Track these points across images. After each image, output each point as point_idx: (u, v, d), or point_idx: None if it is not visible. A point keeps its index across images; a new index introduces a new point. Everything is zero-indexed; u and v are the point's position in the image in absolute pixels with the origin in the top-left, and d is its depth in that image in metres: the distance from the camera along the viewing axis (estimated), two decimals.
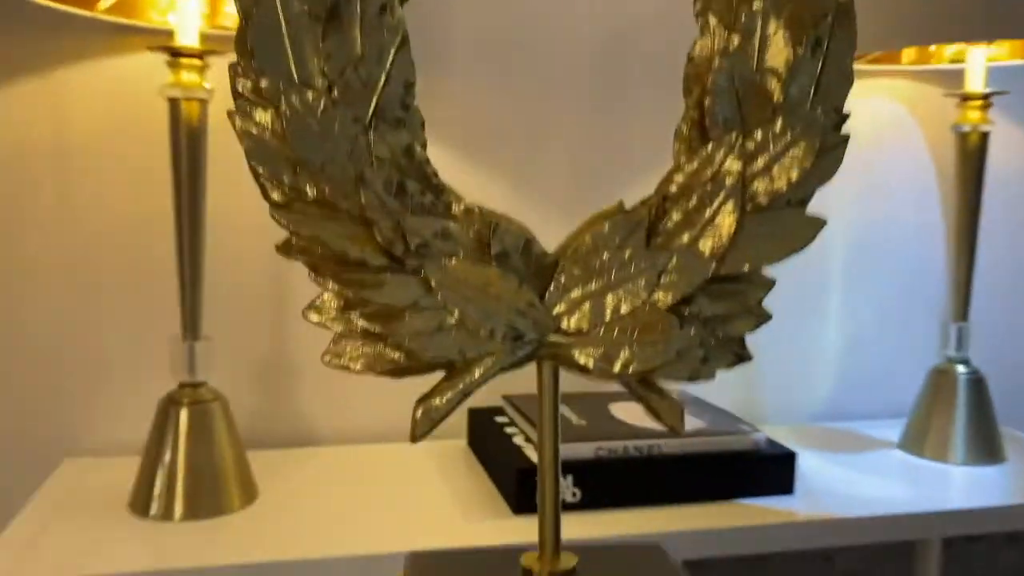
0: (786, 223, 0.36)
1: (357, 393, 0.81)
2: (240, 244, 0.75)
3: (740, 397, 0.90)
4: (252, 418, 0.77)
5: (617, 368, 0.35)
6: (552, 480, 0.37)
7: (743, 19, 0.35)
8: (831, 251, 0.92)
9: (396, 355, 0.35)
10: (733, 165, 0.35)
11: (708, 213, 0.35)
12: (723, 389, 0.72)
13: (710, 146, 0.35)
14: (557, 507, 0.37)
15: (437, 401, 0.34)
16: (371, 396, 0.81)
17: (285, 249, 0.33)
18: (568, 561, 0.37)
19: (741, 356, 0.37)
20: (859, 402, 0.95)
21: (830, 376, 0.94)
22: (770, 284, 0.36)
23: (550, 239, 0.36)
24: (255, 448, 0.72)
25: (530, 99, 0.81)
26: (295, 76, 0.33)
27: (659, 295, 0.35)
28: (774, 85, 0.35)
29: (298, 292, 0.75)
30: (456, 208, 0.34)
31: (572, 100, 0.82)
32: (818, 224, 0.36)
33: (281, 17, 0.32)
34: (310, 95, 0.33)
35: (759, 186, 0.35)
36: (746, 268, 0.36)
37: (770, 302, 0.36)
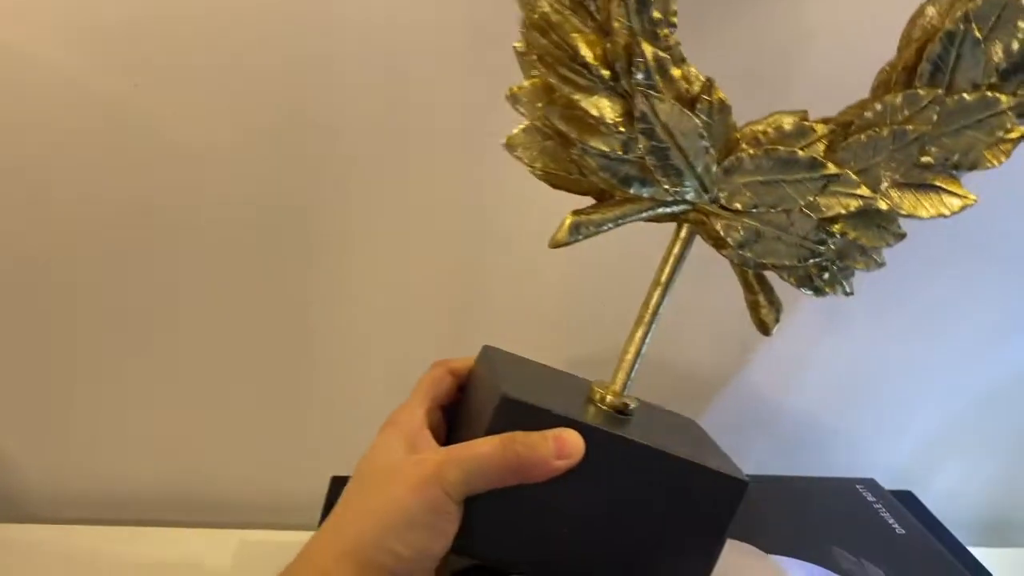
0: (942, 188, 0.39)
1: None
2: None
3: (1010, 499, 0.67)
4: None
5: (750, 253, 0.38)
6: (647, 329, 0.40)
7: None
8: None
9: (570, 165, 0.37)
10: (914, 115, 0.37)
11: (891, 148, 0.37)
12: (999, 473, 0.65)
13: (891, 97, 0.37)
14: (642, 352, 0.40)
15: (594, 216, 0.37)
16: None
17: (527, 23, 0.34)
18: (632, 400, 0.40)
19: (845, 289, 0.41)
20: None
21: None
22: (901, 236, 0.39)
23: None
24: None
25: None
26: None
27: (819, 201, 0.38)
28: (993, 63, 0.37)
29: None
30: (680, 55, 0.36)
31: None
32: (967, 200, 0.39)
33: None
34: None
35: (933, 149, 0.38)
36: (896, 212, 0.39)
37: None
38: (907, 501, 0.56)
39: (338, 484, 0.47)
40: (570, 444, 0.35)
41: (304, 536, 0.36)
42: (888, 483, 0.59)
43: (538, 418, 0.36)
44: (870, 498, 0.53)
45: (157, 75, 0.51)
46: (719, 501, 0.38)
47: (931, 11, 0.37)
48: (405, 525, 0.33)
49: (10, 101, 0.50)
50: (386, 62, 0.52)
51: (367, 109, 0.53)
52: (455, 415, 0.41)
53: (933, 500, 0.65)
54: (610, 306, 0.48)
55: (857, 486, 0.55)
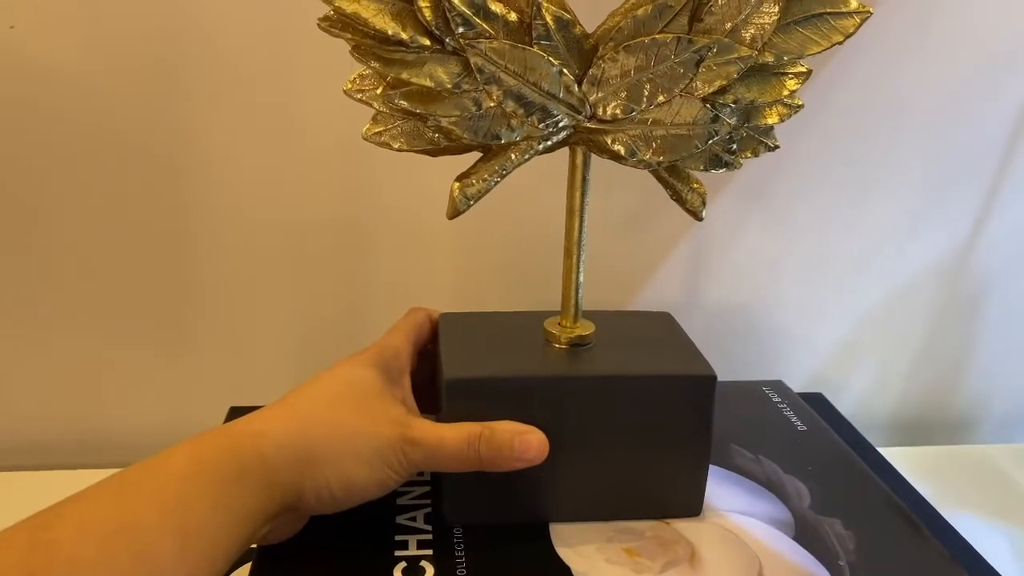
0: (830, 10, 0.35)
1: None
2: None
3: (941, 385, 0.66)
4: None
5: (648, 156, 0.36)
6: (576, 257, 0.39)
7: None
8: None
9: (435, 135, 0.36)
10: None
11: (753, 0, 0.34)
12: (911, 372, 0.65)
13: None
14: (579, 281, 0.39)
15: (474, 181, 0.36)
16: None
17: (327, 25, 0.32)
18: (586, 328, 0.40)
19: (768, 145, 0.38)
20: None
21: None
22: (806, 74, 0.36)
23: (593, 18, 0.35)
24: None
25: None
26: None
27: (697, 84, 0.35)
28: None
29: None
30: None
31: None
32: (863, 14, 0.35)
33: None
34: None
35: None
36: (785, 59, 0.35)
37: None
38: (816, 402, 0.54)
39: (236, 414, 0.42)
40: (533, 447, 0.36)
41: None
42: (803, 388, 0.57)
43: (487, 388, 0.37)
44: (775, 399, 0.51)
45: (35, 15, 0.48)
46: (692, 402, 0.38)
47: None
48: (355, 456, 0.34)
49: None
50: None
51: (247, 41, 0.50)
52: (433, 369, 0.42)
53: (849, 403, 0.64)
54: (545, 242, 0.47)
55: (764, 388, 0.53)
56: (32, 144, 0.52)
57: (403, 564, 0.36)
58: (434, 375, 0.41)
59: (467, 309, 0.44)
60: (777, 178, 0.58)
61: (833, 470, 0.44)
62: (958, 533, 0.43)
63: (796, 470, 0.43)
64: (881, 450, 0.53)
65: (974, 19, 0.55)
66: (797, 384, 0.57)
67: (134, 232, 0.55)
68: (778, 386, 0.54)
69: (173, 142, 0.53)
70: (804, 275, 0.61)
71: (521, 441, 0.35)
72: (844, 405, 0.60)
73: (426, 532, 0.38)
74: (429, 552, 0.37)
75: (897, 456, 0.54)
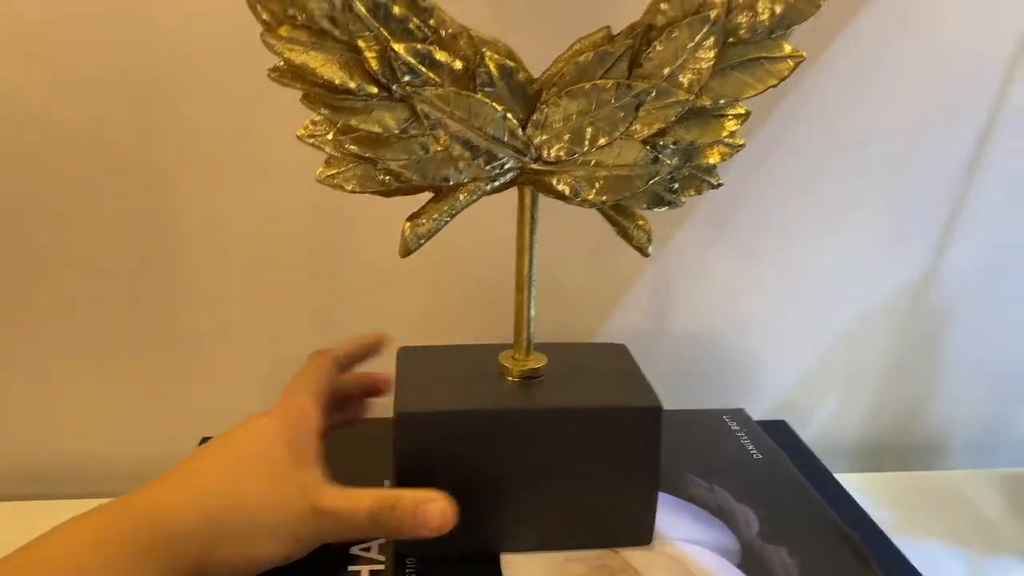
0: (764, 55, 0.36)
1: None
2: None
3: (903, 411, 0.67)
4: None
5: (591, 196, 0.38)
6: (527, 293, 0.40)
7: None
8: None
9: (385, 177, 0.37)
10: None
11: (690, 46, 0.36)
12: (875, 400, 0.66)
13: None
14: (530, 316, 0.41)
15: (424, 221, 0.37)
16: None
17: (277, 75, 0.34)
18: (539, 360, 0.41)
19: (711, 183, 0.40)
20: None
21: None
22: (744, 115, 0.38)
23: (538, 63, 0.37)
24: None
25: None
26: None
27: (636, 127, 0.36)
28: None
29: None
30: (444, 32, 0.35)
31: None
32: (796, 58, 0.37)
33: None
34: None
35: (741, 19, 0.36)
36: (722, 102, 0.37)
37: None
38: (777, 430, 0.55)
39: None
40: (435, 518, 0.34)
41: None
42: (768, 414, 0.58)
43: (439, 422, 0.38)
44: (734, 427, 0.52)
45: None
46: (640, 434, 0.39)
47: None
48: (262, 531, 0.33)
49: None
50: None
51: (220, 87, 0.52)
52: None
53: (814, 429, 0.65)
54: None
55: (724, 416, 0.54)
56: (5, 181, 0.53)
57: None
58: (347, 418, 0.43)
59: (435, 341, 0.45)
60: (742, 207, 0.59)
61: (784, 498, 0.45)
62: (908, 561, 0.44)
63: (748, 498, 0.44)
64: (846, 476, 0.53)
65: (927, 57, 0.57)
66: (763, 410, 0.58)
67: (108, 265, 0.56)
68: (739, 415, 0.55)
69: (150, 185, 0.54)
70: (769, 303, 0.62)
71: (423, 511, 0.34)
72: (809, 431, 0.61)
73: (379, 562, 0.39)
74: None
75: (861, 482, 0.55)
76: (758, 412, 0.57)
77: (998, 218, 0.61)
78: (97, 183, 0.54)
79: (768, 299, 0.62)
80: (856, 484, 0.53)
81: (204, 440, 0.53)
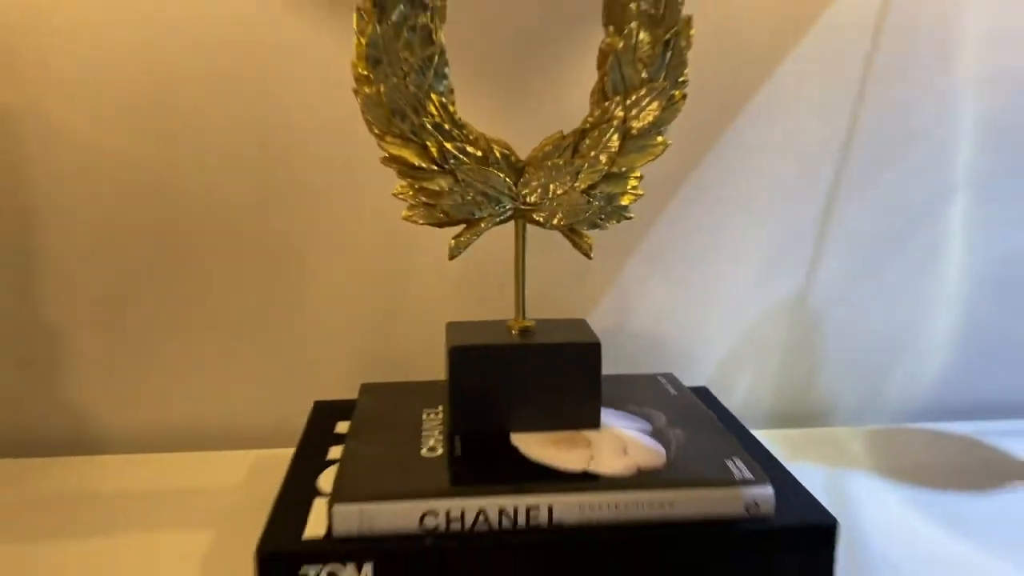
0: (646, 144, 0.66)
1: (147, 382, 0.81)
2: None
3: (800, 384, 0.92)
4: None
5: (555, 222, 0.67)
6: (520, 283, 0.69)
7: (625, 30, 0.64)
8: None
9: (440, 215, 0.67)
10: (618, 112, 0.65)
11: (605, 139, 0.65)
12: (778, 377, 0.91)
13: (606, 103, 0.65)
14: (523, 296, 0.69)
15: (464, 235, 0.67)
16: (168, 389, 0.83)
17: (386, 161, 0.64)
18: (530, 323, 0.70)
19: (626, 216, 0.69)
20: (982, 389, 0.82)
21: (940, 353, 0.87)
22: (640, 177, 0.67)
23: (523, 149, 0.66)
24: None
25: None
26: (389, 64, 0.63)
27: (578, 183, 0.66)
28: (642, 69, 0.65)
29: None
30: (471, 136, 0.65)
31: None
32: (663, 144, 0.66)
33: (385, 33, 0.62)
34: (394, 78, 0.63)
35: (634, 124, 0.66)
36: (625, 169, 0.67)
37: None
38: (700, 393, 0.77)
39: (320, 407, 0.75)
40: None
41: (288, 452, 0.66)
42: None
43: (479, 352, 0.66)
44: (665, 383, 0.76)
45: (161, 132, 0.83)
46: (588, 360, 0.67)
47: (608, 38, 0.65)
48: None
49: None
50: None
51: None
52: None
53: (736, 401, 0.87)
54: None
55: (659, 377, 0.78)
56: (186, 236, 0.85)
57: None
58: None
59: (471, 317, 0.74)
60: (671, 246, 0.89)
61: (688, 412, 0.72)
62: (770, 453, 0.71)
63: (664, 413, 0.72)
64: (758, 432, 0.72)
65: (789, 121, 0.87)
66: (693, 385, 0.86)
67: (249, 278, 0.87)
68: (670, 377, 0.82)
69: (281, 234, 0.86)
70: (696, 311, 0.91)
71: None
72: (733, 402, 0.88)
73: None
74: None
75: (769, 436, 0.79)
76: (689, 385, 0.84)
77: (850, 244, 0.90)
78: (238, 228, 0.85)
79: (694, 309, 0.91)
80: (765, 437, 0.71)
81: (316, 403, 0.82)
